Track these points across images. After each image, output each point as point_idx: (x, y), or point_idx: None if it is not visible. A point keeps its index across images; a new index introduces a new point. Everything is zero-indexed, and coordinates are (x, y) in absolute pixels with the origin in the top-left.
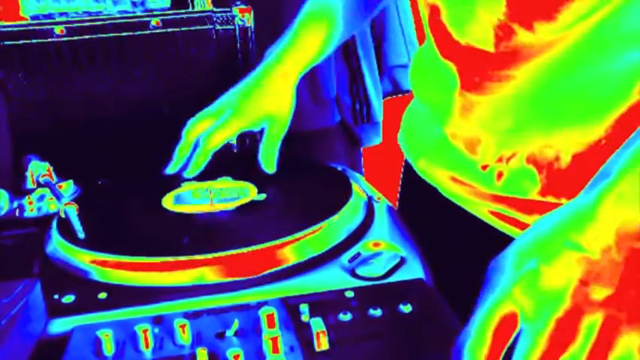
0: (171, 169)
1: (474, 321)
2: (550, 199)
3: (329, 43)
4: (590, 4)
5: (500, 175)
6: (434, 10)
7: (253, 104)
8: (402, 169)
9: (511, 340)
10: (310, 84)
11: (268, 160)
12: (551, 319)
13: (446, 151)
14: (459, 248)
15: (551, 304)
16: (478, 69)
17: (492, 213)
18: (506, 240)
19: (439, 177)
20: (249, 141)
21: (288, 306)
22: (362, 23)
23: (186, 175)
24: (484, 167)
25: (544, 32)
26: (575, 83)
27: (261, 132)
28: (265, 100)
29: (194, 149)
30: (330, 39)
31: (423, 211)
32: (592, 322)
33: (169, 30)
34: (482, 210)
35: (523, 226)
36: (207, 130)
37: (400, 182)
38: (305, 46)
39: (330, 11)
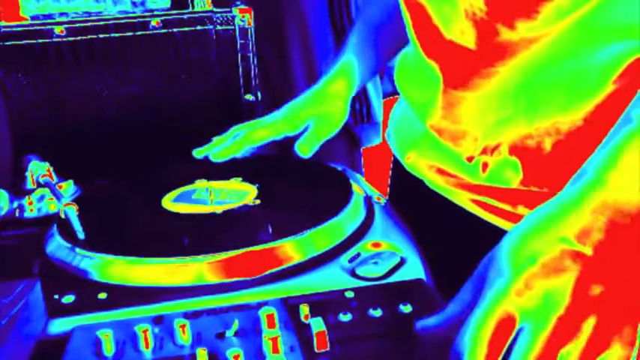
0: (199, 153)
1: (471, 324)
2: (532, 188)
3: (358, 85)
4: (570, 0)
5: (485, 166)
6: (419, 11)
7: (303, 111)
8: (391, 166)
9: (509, 342)
10: (310, 84)
11: (306, 148)
12: (554, 318)
13: (432, 145)
14: (445, 239)
15: (553, 304)
16: (463, 67)
17: (477, 203)
18: (490, 229)
19: (426, 170)
20: None
21: (288, 306)
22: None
23: (212, 157)
24: (469, 159)
25: (526, 30)
26: (557, 76)
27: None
28: (315, 107)
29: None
30: (358, 84)
31: (410, 204)
32: (590, 319)
33: (169, 30)
34: (468, 200)
35: (506, 214)
36: (253, 127)
37: (389, 179)
38: (353, 72)
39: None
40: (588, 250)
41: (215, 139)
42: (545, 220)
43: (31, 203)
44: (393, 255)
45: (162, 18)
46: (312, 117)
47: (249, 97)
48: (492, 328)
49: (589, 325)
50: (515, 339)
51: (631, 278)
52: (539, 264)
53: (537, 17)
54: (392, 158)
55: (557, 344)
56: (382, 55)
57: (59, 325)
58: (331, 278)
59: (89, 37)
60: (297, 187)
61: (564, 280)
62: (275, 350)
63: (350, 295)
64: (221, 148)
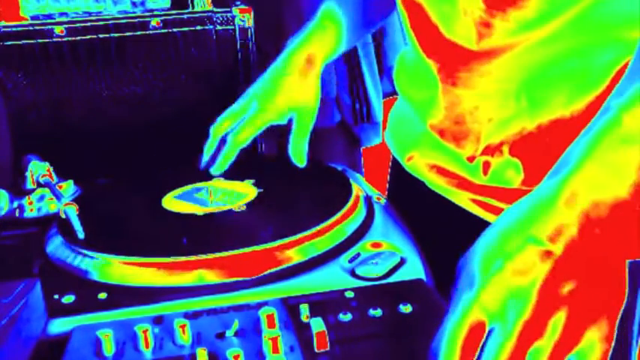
0: (203, 165)
1: (444, 331)
2: (534, 188)
3: (346, 39)
4: None
5: (486, 166)
6: (418, 10)
7: (278, 96)
8: (390, 166)
9: (481, 344)
10: None
11: (298, 153)
12: (520, 321)
13: (433, 145)
14: (445, 239)
15: (518, 305)
16: (463, 65)
17: (478, 203)
18: None
19: (426, 170)
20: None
21: (288, 306)
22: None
23: (213, 172)
24: (470, 159)
25: (520, 25)
26: (558, 75)
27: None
28: (290, 91)
29: (220, 146)
30: (346, 36)
31: (409, 204)
32: (558, 317)
33: (169, 30)
34: (468, 201)
35: None
36: (234, 127)
37: (388, 179)
38: (327, 35)
39: (341, 15)
40: (558, 249)
41: (205, 148)
42: (517, 221)
43: (31, 203)
44: (393, 255)
45: (162, 18)
46: (291, 107)
47: None
48: (464, 334)
49: (558, 321)
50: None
51: (606, 272)
52: (507, 267)
53: (528, 7)
54: (391, 158)
55: (526, 343)
56: (373, 7)
57: (59, 325)
58: (331, 278)
59: (89, 37)
60: (297, 187)
61: (530, 280)
62: (275, 350)
63: (350, 295)
64: (218, 161)
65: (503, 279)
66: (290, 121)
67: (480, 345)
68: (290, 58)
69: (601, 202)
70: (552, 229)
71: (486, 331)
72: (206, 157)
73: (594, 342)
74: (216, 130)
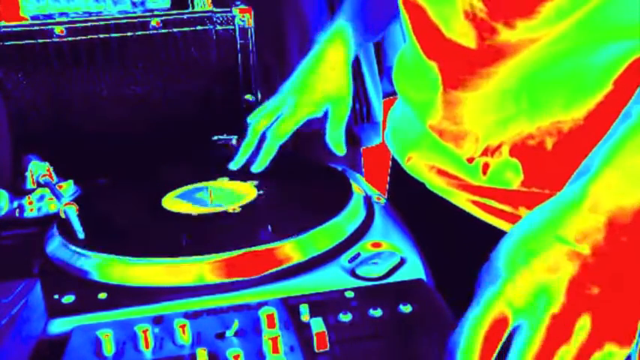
0: (235, 165)
1: (464, 324)
2: (534, 189)
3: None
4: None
5: (485, 167)
6: (419, 12)
7: (313, 90)
8: (390, 167)
9: (503, 340)
10: None
11: (336, 141)
12: (548, 313)
13: (432, 146)
14: (445, 239)
15: (547, 298)
16: (463, 67)
17: (477, 204)
18: (490, 230)
19: (426, 171)
20: None
21: (288, 306)
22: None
23: (254, 169)
24: (470, 160)
25: (526, 30)
26: (558, 76)
27: (324, 116)
28: (324, 83)
29: (260, 144)
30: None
31: (409, 205)
32: (585, 317)
33: (169, 30)
34: (469, 202)
35: (507, 216)
36: (273, 123)
37: (388, 180)
38: (353, 28)
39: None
40: (585, 250)
41: (243, 146)
42: (543, 222)
43: (31, 203)
44: (393, 255)
45: (163, 18)
46: (326, 99)
47: (249, 97)
48: (486, 327)
49: (584, 323)
50: (510, 339)
51: (629, 279)
52: (534, 262)
53: (537, 17)
54: (391, 159)
55: (554, 342)
56: (377, 21)
57: (59, 325)
58: (331, 278)
59: (89, 37)
60: (297, 187)
61: (559, 278)
62: (275, 350)
63: (350, 295)
64: (260, 158)
65: (530, 274)
66: (325, 113)
67: (501, 343)
68: (319, 56)
69: (624, 209)
70: (579, 231)
71: (509, 328)
72: (243, 154)
73: (615, 347)
74: (255, 128)
